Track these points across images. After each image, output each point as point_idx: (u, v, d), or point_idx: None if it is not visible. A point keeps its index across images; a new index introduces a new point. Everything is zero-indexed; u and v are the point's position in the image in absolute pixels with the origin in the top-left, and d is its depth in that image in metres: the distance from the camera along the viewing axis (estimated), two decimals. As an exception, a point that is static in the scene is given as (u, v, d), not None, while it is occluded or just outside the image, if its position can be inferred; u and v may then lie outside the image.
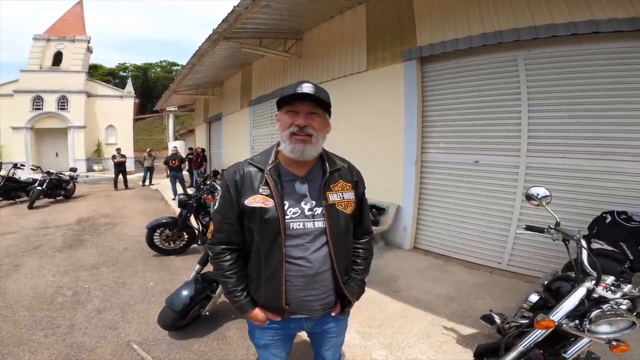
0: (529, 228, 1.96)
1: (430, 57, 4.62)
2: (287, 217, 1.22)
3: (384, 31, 5.15)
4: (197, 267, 3.04)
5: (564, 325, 1.52)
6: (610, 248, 2.62)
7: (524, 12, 3.61)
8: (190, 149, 13.53)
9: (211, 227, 1.35)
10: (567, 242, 1.78)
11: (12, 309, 3.16)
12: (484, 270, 4.07)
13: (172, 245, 4.76)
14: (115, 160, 12.25)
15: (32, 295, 3.45)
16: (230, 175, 1.29)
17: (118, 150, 12.68)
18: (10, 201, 9.12)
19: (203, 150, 12.93)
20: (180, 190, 9.69)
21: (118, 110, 21.27)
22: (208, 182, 4.88)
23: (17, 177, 9.63)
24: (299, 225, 1.23)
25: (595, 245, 2.64)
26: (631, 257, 2.57)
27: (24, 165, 11.13)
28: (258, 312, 1.30)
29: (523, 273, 3.83)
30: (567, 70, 3.54)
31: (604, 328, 1.45)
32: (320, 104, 1.20)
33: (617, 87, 3.28)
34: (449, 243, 4.61)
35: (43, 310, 3.13)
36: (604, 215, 2.96)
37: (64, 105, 19.14)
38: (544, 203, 1.87)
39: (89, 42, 20.51)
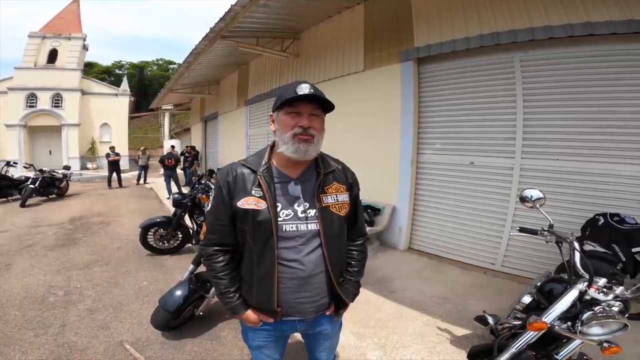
0: (522, 230, 1.97)
1: (427, 58, 4.63)
2: (279, 219, 1.21)
3: (381, 31, 5.15)
4: (191, 267, 3.02)
5: (556, 327, 1.53)
6: (602, 250, 2.65)
7: (520, 13, 3.63)
8: (187, 147, 13.46)
9: (204, 229, 1.34)
10: (560, 244, 1.79)
11: (3, 308, 3.12)
12: (478, 271, 4.09)
13: (166, 244, 4.73)
14: (110, 159, 12.12)
15: (23, 295, 3.41)
16: (223, 176, 1.27)
17: (112, 148, 12.49)
18: (3, 199, 9.02)
19: (193, 147, 12.76)
20: (174, 189, 9.63)
21: (113, 108, 21.03)
22: (203, 182, 4.85)
23: (9, 174, 9.55)
24: (292, 227, 1.22)
25: (587, 247, 2.66)
26: (623, 259, 2.60)
27: (16, 163, 10.98)
28: (250, 314, 1.29)
29: (516, 274, 3.85)
30: (563, 71, 3.55)
31: (595, 330, 1.46)
32: (320, 105, 1.20)
33: (612, 89, 3.29)
34: (444, 244, 4.62)
35: (34, 310, 3.10)
36: (596, 217, 2.99)
37: (59, 103, 18.93)
38: (537, 205, 1.88)
39: (84, 39, 20.30)
